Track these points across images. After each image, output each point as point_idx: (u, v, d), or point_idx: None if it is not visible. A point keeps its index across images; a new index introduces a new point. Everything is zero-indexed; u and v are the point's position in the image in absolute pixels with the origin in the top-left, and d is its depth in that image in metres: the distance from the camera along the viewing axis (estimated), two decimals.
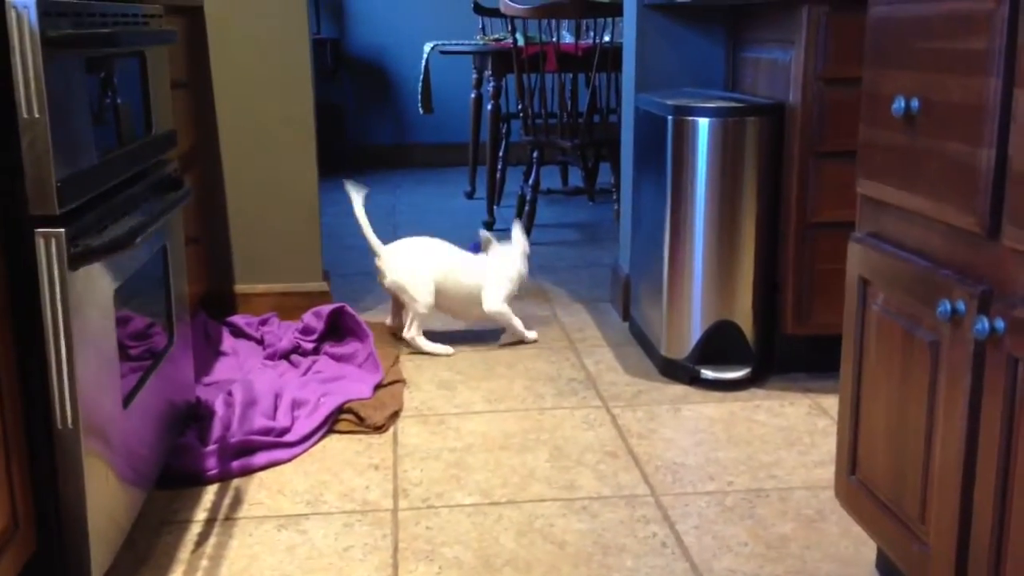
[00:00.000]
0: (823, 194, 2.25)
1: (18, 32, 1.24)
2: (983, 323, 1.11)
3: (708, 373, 2.37)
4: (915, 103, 1.27)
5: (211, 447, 1.96)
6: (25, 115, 1.26)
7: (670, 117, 2.32)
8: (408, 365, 2.55)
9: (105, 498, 1.43)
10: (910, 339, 1.31)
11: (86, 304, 1.37)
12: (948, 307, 1.19)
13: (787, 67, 2.27)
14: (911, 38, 1.29)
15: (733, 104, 2.29)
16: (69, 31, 1.33)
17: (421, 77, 4.82)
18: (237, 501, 1.85)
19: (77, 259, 1.32)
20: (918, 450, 1.30)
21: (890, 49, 1.35)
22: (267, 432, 2.04)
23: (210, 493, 1.88)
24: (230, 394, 2.16)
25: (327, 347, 2.55)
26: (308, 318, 2.62)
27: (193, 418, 2.07)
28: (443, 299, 2.67)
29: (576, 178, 5.28)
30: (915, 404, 1.31)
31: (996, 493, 1.12)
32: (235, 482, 1.92)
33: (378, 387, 2.33)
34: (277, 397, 2.18)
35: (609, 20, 3.78)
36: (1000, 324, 1.09)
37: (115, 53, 1.58)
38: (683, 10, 2.68)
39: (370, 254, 2.74)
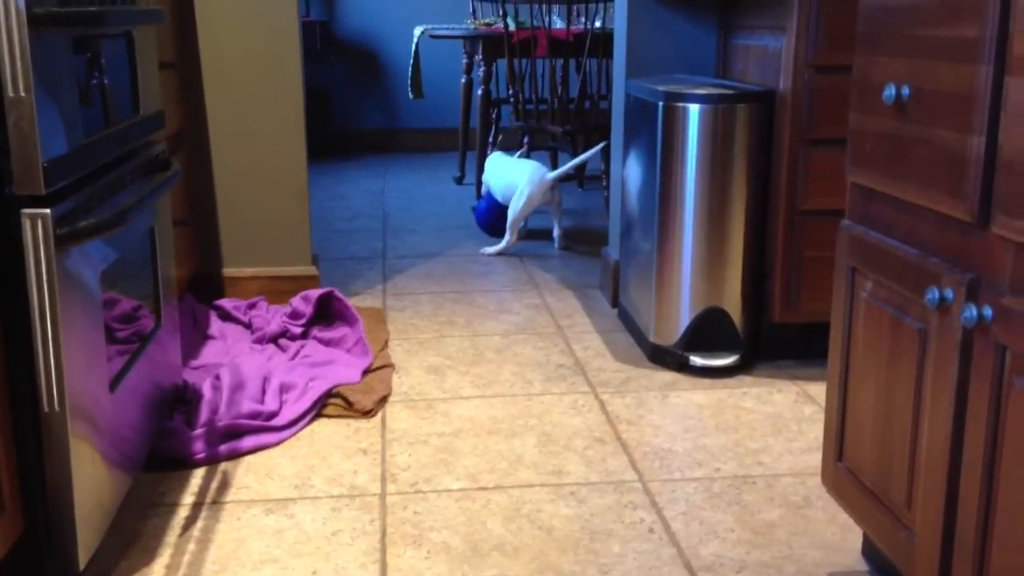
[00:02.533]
0: (813, 181, 2.25)
1: (4, 9, 1.23)
2: (971, 311, 1.11)
3: (696, 360, 2.38)
4: (906, 90, 1.27)
5: (198, 431, 1.96)
6: (11, 94, 1.24)
7: (661, 103, 2.32)
8: (397, 350, 2.55)
9: (92, 481, 1.43)
10: (898, 326, 1.32)
11: (73, 285, 1.36)
12: (936, 295, 1.19)
13: (778, 54, 2.27)
14: (902, 25, 1.29)
15: (724, 91, 2.29)
16: (55, 9, 1.32)
17: (411, 61, 4.80)
18: (224, 485, 1.84)
19: (63, 240, 1.31)
20: (905, 437, 1.31)
21: (881, 36, 1.35)
22: (255, 416, 2.04)
23: (197, 477, 1.88)
24: (218, 378, 2.16)
25: (316, 331, 2.55)
26: (296, 302, 2.61)
27: (180, 401, 2.07)
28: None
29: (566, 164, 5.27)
30: (902, 391, 1.31)
31: (982, 481, 1.13)
32: (222, 466, 1.92)
33: (367, 372, 2.33)
34: (265, 381, 2.18)
35: (600, 6, 3.77)
36: (988, 312, 1.10)
37: (102, 32, 1.56)
38: None
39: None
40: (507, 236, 3.52)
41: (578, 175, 4.61)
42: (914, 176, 1.26)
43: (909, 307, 1.29)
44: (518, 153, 3.82)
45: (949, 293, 1.18)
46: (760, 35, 2.41)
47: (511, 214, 3.50)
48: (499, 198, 3.66)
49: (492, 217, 3.73)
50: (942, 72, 1.19)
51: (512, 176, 3.56)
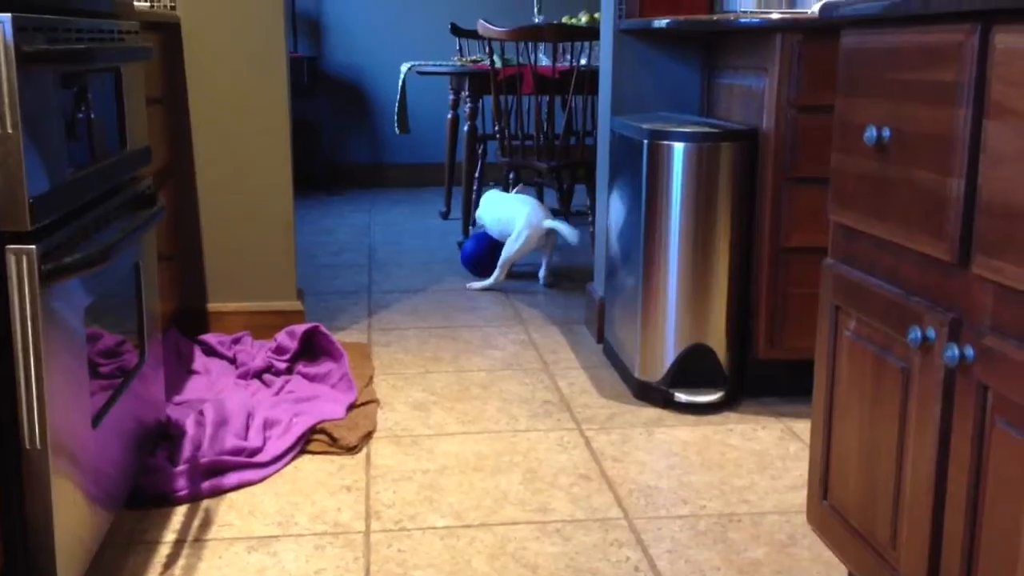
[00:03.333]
0: (796, 219, 2.27)
1: None
2: (953, 350, 1.12)
3: (682, 396, 2.38)
4: (886, 132, 1.29)
5: (181, 467, 1.94)
6: None
7: (646, 141, 2.34)
8: (382, 385, 2.54)
9: (73, 518, 1.41)
10: (881, 365, 1.32)
11: (57, 322, 1.36)
12: (919, 334, 1.20)
13: (761, 94, 2.30)
14: (883, 68, 1.31)
15: (708, 129, 2.31)
16: (44, 47, 1.33)
17: (398, 97, 4.83)
18: (207, 522, 1.83)
19: (48, 276, 1.31)
20: (889, 476, 1.31)
21: (862, 78, 1.37)
22: (238, 452, 2.02)
23: (179, 514, 1.86)
24: (201, 413, 2.14)
25: (300, 367, 2.54)
26: (281, 337, 2.60)
27: (163, 437, 2.05)
28: None
29: (552, 200, 5.30)
30: (886, 430, 1.32)
31: (966, 520, 1.13)
32: (205, 503, 1.90)
33: (351, 407, 2.32)
34: (249, 417, 2.17)
35: (586, 44, 3.81)
36: (970, 352, 1.11)
37: (90, 69, 1.57)
38: (659, 36, 2.70)
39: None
40: (496, 273, 3.52)
41: (564, 211, 4.62)
42: (895, 216, 1.28)
43: (892, 346, 1.30)
44: (515, 189, 3.83)
45: (931, 332, 1.19)
46: (743, 75, 2.44)
47: (506, 254, 3.49)
48: (494, 234, 3.66)
49: (480, 258, 3.70)
50: (922, 115, 1.21)
51: (509, 214, 3.56)
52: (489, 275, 3.56)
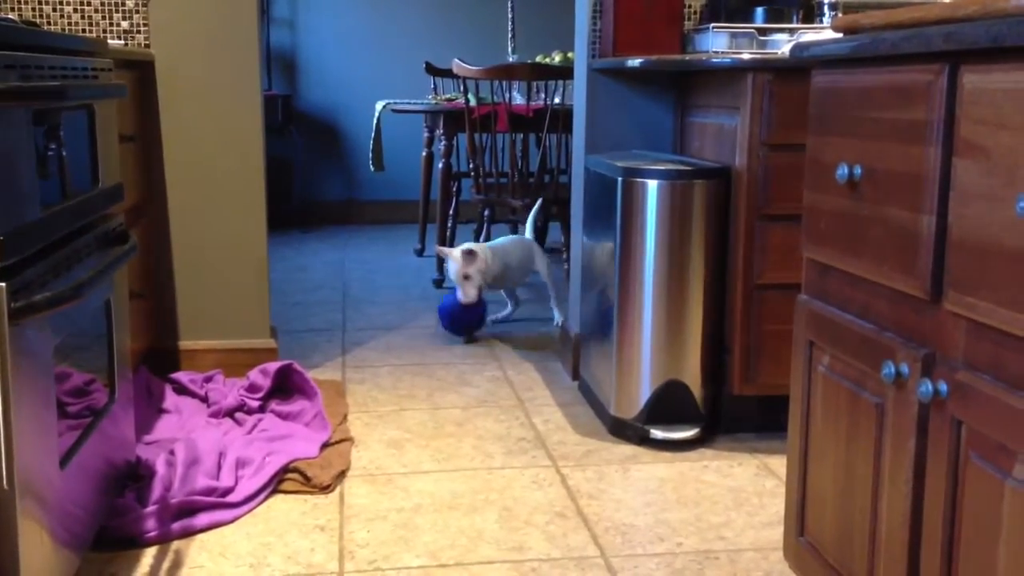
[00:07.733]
0: (769, 256, 2.29)
1: None
2: (927, 386, 1.13)
3: (657, 433, 2.37)
4: (858, 170, 1.30)
5: (150, 508, 1.91)
6: None
7: (620, 179, 2.36)
8: (356, 423, 2.52)
9: (39, 561, 1.38)
10: (856, 401, 1.33)
11: (25, 360, 1.34)
12: (892, 369, 1.21)
13: (733, 132, 2.32)
14: (853, 107, 1.33)
15: (681, 167, 2.33)
16: (17, 83, 1.32)
17: (372, 135, 4.84)
18: (177, 564, 1.79)
19: (18, 314, 1.29)
20: (865, 512, 1.31)
21: (833, 117, 1.39)
22: (209, 492, 1.99)
23: (148, 556, 1.82)
24: (172, 453, 2.11)
25: (273, 405, 2.51)
26: (254, 375, 2.58)
27: (133, 478, 2.02)
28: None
29: None
30: (861, 466, 1.32)
31: (942, 556, 1.13)
32: (175, 544, 1.87)
33: (325, 446, 2.30)
34: (221, 456, 2.14)
35: (559, 83, 3.84)
36: (943, 387, 1.11)
37: (63, 106, 1.56)
38: (632, 75, 2.73)
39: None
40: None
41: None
42: (868, 253, 1.29)
43: (866, 381, 1.31)
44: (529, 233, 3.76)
45: (904, 368, 1.20)
46: (716, 114, 2.46)
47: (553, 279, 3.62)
48: (510, 281, 3.57)
49: (463, 314, 3.34)
50: (892, 153, 1.23)
51: (523, 253, 3.60)
52: (468, 333, 3.37)
